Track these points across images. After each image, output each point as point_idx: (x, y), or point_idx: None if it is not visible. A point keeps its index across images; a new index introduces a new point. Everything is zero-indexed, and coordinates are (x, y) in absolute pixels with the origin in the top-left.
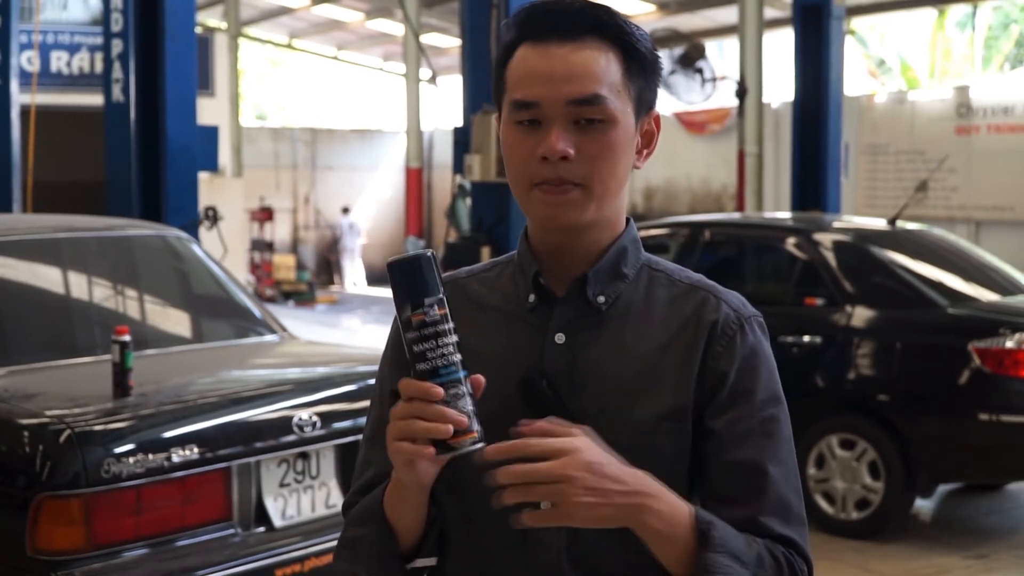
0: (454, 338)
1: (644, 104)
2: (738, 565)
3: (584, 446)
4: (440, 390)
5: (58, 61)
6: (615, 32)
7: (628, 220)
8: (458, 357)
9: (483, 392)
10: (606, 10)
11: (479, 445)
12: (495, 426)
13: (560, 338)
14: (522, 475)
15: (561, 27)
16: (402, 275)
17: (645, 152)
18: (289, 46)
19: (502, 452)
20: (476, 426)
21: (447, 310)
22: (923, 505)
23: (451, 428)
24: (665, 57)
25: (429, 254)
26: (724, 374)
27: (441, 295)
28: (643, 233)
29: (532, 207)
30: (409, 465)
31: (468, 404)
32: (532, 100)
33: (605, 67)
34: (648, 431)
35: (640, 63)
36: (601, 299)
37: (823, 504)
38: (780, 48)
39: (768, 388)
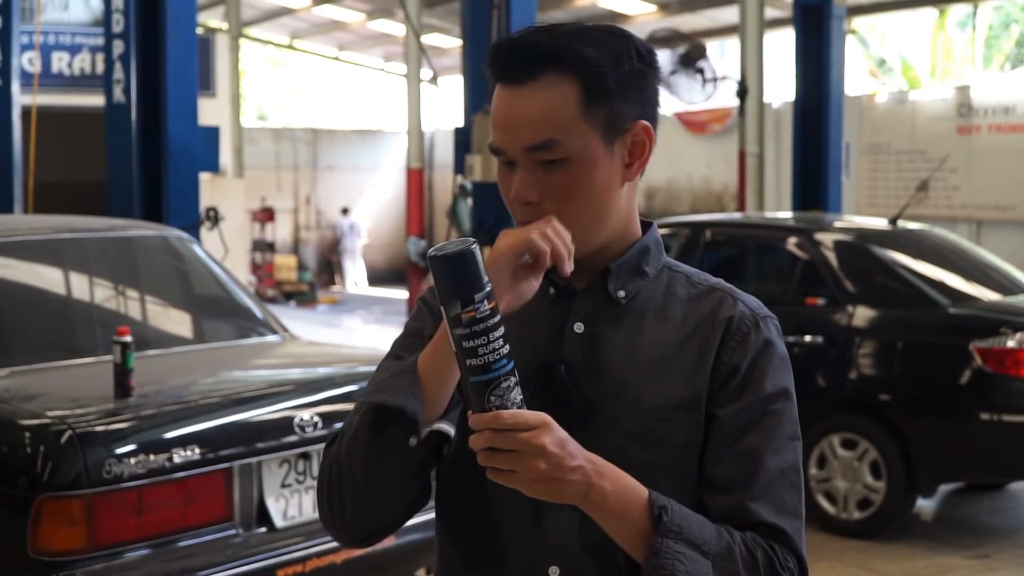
0: (502, 330)
1: (618, 124)
2: (695, 552)
3: (551, 421)
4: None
5: (59, 62)
6: (572, 64)
7: (651, 223)
8: (507, 348)
9: None
10: (563, 40)
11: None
12: None
13: (579, 328)
14: (495, 440)
15: (518, 66)
16: (449, 270)
17: (637, 164)
18: (290, 47)
19: (480, 423)
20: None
21: (495, 302)
22: (925, 505)
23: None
24: (666, 57)
25: (474, 247)
26: (736, 367)
27: (489, 288)
28: None
29: None
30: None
31: (518, 395)
32: (498, 147)
33: (559, 105)
34: (661, 419)
35: (602, 89)
36: (621, 293)
37: (825, 504)
38: (781, 48)
39: (777, 383)
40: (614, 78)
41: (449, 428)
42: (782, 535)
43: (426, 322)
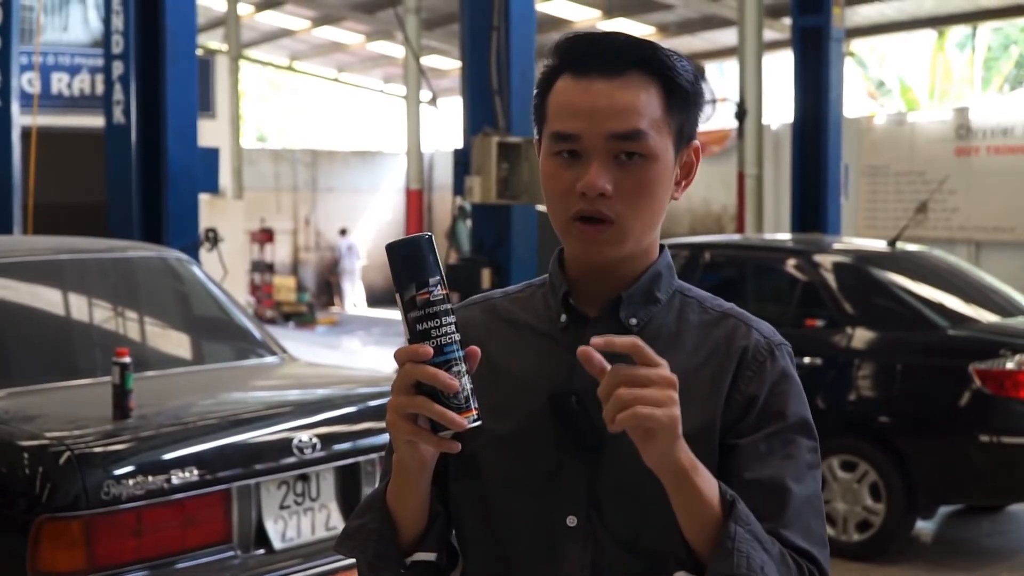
0: (454, 317)
1: (684, 137)
2: (760, 547)
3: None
4: (429, 349)
5: (59, 83)
6: (657, 67)
7: (663, 247)
8: (458, 336)
9: (512, 408)
10: (649, 45)
11: (477, 423)
12: (524, 440)
13: None
14: (635, 378)
15: (604, 61)
16: (404, 255)
17: (684, 183)
18: (290, 68)
19: (606, 345)
20: (475, 404)
21: (447, 291)
22: (924, 527)
23: (449, 388)
24: None
25: (428, 236)
26: (754, 397)
27: (442, 276)
28: None
29: (569, 240)
30: (409, 444)
31: (468, 383)
32: (573, 133)
33: (647, 102)
34: None
35: (682, 97)
36: (633, 321)
37: None
38: (780, 70)
39: (797, 413)
40: (690, 92)
41: (427, 556)
42: (815, 561)
43: None
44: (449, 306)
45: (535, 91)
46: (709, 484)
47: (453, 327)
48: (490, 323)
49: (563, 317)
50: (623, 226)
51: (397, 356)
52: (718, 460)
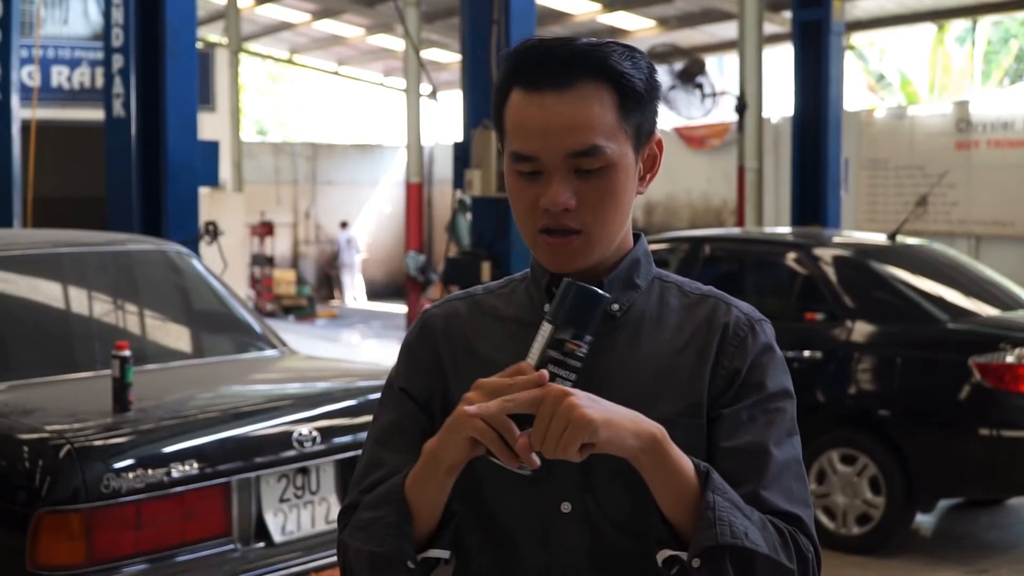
0: (576, 377)
1: (643, 134)
2: (740, 514)
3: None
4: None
5: (59, 76)
6: (608, 73)
7: (640, 235)
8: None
9: None
10: (597, 50)
11: (527, 472)
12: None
13: None
14: (541, 427)
15: (554, 74)
16: (579, 301)
17: (648, 176)
18: (290, 61)
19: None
20: (538, 460)
21: (588, 351)
22: (924, 520)
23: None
24: (665, 72)
25: (608, 298)
26: (737, 370)
27: (593, 338)
28: None
29: (538, 251)
30: (467, 442)
31: None
32: (531, 154)
33: (600, 113)
34: (665, 427)
35: (636, 98)
36: (615, 307)
37: (824, 519)
38: (780, 63)
39: (778, 383)
40: (644, 89)
41: (441, 554)
42: (798, 521)
43: (403, 411)
44: (583, 366)
45: (493, 96)
46: (681, 457)
47: (571, 385)
48: (475, 317)
49: (547, 307)
50: (590, 235)
51: (530, 375)
52: (705, 434)
